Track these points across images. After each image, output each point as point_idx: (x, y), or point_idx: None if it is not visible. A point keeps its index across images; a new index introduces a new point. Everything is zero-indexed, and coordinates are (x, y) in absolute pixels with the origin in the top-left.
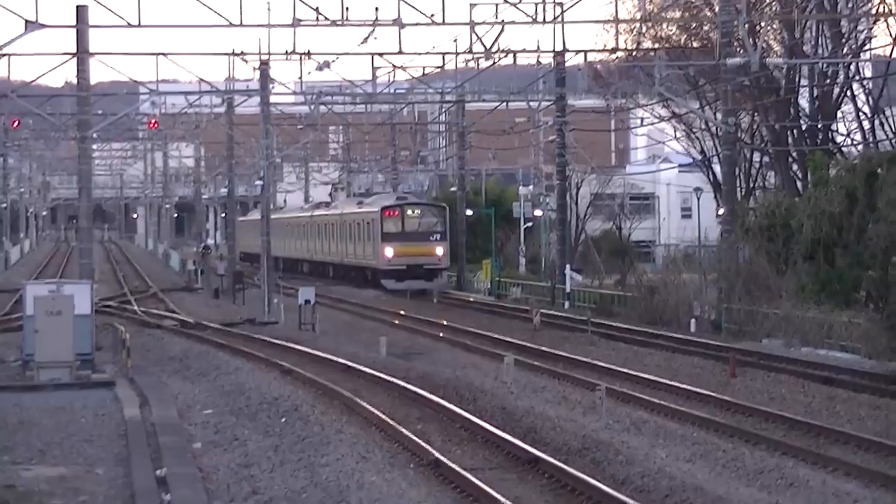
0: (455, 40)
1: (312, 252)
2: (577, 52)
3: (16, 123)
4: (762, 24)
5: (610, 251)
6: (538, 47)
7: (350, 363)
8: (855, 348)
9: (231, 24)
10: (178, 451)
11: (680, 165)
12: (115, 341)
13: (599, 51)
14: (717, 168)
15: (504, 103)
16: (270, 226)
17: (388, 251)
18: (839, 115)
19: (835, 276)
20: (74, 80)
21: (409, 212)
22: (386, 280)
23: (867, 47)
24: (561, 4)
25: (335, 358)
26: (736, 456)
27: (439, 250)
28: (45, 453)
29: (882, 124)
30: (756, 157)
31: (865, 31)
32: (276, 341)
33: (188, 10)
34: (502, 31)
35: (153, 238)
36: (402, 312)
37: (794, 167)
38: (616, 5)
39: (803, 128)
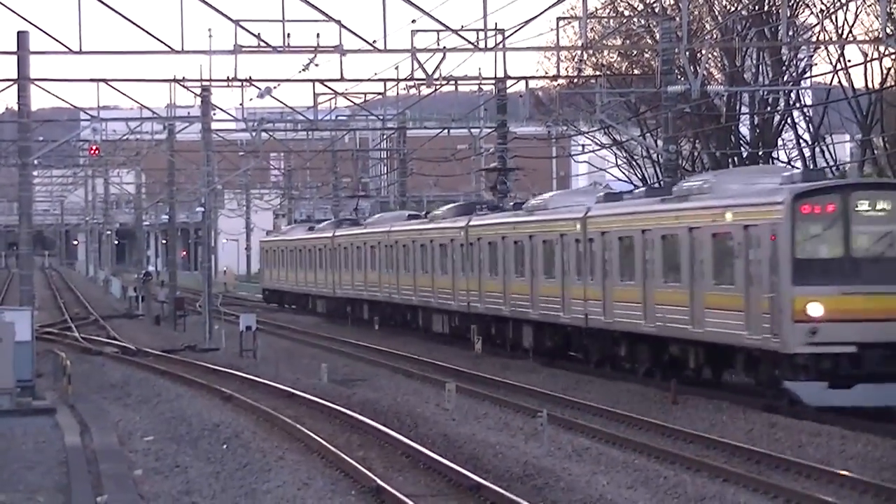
0: (396, 67)
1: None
2: (519, 79)
3: None
4: (703, 51)
5: None
6: (479, 74)
7: (291, 389)
8: None
9: (172, 51)
10: (118, 479)
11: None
12: (55, 368)
13: (541, 78)
14: None
15: (445, 130)
16: (278, 251)
17: (815, 308)
18: (780, 142)
19: None
20: (15, 107)
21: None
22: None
23: (807, 75)
24: (502, 32)
25: (276, 384)
26: (677, 483)
27: None
28: None
29: (822, 152)
30: None
31: (806, 59)
32: (218, 368)
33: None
34: (444, 58)
35: (94, 265)
36: (343, 339)
37: None
38: (557, 33)
39: (744, 155)
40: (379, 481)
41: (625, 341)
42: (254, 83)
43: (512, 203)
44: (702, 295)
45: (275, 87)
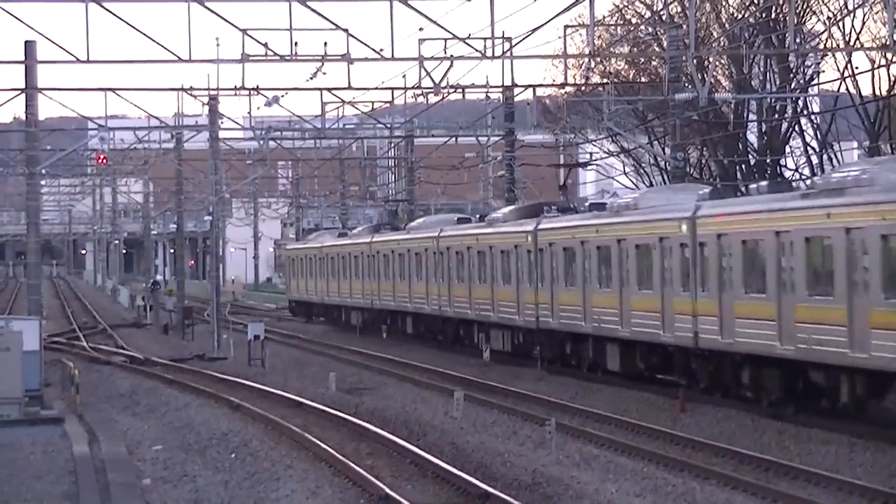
0: (404, 75)
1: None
2: (526, 87)
3: None
4: (710, 59)
5: None
6: (487, 82)
7: (299, 398)
8: None
9: (180, 60)
10: (127, 488)
11: None
12: (63, 377)
13: (548, 86)
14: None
15: (453, 138)
16: (305, 259)
17: None
18: (787, 149)
19: None
20: (23, 116)
21: None
22: None
23: (815, 82)
24: (510, 40)
25: (284, 393)
26: (686, 490)
27: None
28: None
29: (830, 159)
30: None
31: (813, 66)
32: (226, 377)
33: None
34: (451, 66)
35: (102, 274)
36: (351, 348)
37: None
38: (564, 40)
39: (752, 163)
40: (387, 490)
41: (749, 365)
42: (261, 92)
43: (588, 203)
44: (866, 312)
45: (282, 96)
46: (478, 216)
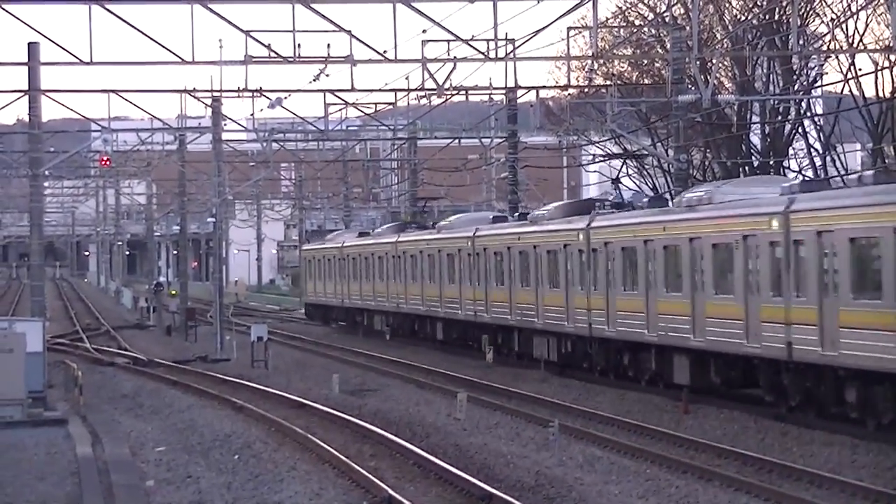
0: (407, 77)
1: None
2: (530, 88)
3: None
4: (713, 60)
5: None
6: (490, 84)
7: (303, 400)
8: None
9: (183, 62)
10: (130, 489)
11: None
12: (67, 379)
13: (551, 87)
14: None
15: (456, 140)
16: (323, 260)
17: None
18: (791, 151)
19: None
20: (26, 118)
21: None
22: None
23: (818, 84)
24: (513, 41)
25: (288, 395)
26: (689, 492)
27: None
28: None
29: (833, 161)
30: None
31: (816, 68)
32: (229, 378)
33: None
34: (454, 68)
35: (105, 275)
36: (354, 349)
37: None
38: (567, 42)
39: (755, 164)
40: (391, 491)
41: (855, 383)
42: (264, 94)
43: (646, 199)
44: None
45: (285, 98)
46: (517, 214)
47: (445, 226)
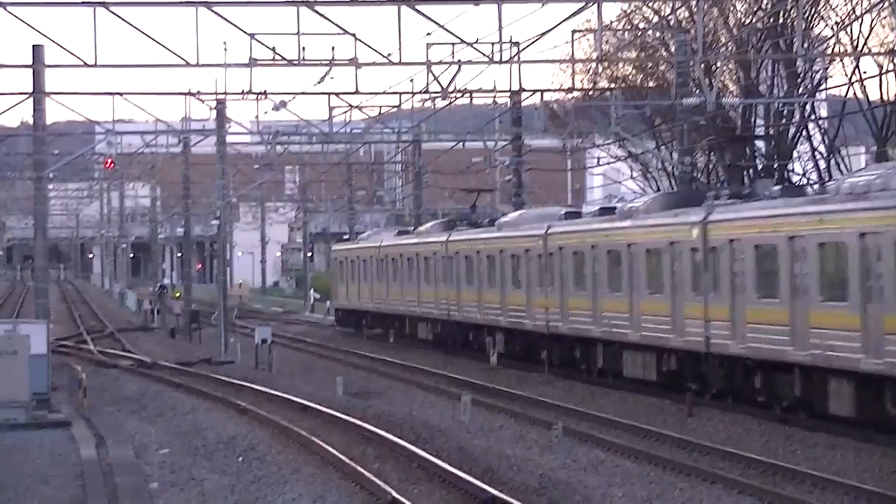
0: (411, 80)
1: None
2: (534, 91)
3: None
4: (718, 63)
5: None
6: (495, 87)
7: (307, 402)
8: None
9: (187, 64)
10: (134, 492)
11: None
12: (71, 381)
13: (556, 90)
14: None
15: (460, 143)
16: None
17: None
18: (795, 154)
19: None
20: (30, 120)
21: None
22: None
23: (823, 87)
24: (517, 44)
25: (292, 397)
26: (693, 495)
27: None
28: (0, 494)
29: (838, 164)
30: None
31: (821, 71)
32: (233, 380)
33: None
34: (459, 70)
35: (109, 278)
36: (358, 352)
37: None
38: (572, 45)
39: (759, 167)
40: (394, 494)
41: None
42: (269, 96)
43: (779, 187)
44: None
45: (290, 100)
46: (598, 209)
47: (508, 223)
